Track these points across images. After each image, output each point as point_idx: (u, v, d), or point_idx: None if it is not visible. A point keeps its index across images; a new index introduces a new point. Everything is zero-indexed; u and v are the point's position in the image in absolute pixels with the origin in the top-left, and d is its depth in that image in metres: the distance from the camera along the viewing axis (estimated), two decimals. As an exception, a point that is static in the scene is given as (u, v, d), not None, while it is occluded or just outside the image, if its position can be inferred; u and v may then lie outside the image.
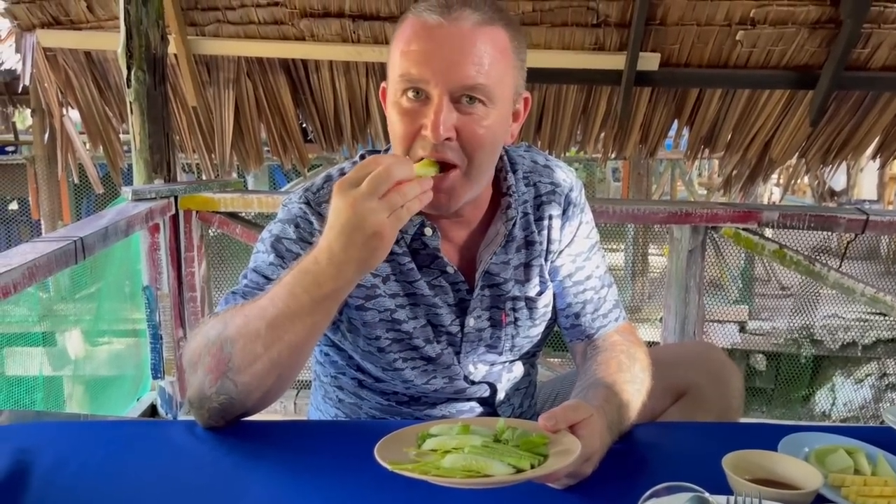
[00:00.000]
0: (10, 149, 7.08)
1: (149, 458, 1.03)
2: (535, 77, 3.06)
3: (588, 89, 3.21)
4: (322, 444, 1.08)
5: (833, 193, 8.34)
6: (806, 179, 6.90)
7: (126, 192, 2.36)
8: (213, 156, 3.41)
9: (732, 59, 3.06)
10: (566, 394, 1.58)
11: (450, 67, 1.02)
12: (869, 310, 5.52)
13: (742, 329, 5.87)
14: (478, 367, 1.27)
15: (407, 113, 1.06)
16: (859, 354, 5.84)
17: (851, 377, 5.89)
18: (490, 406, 1.31)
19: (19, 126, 9.06)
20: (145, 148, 2.44)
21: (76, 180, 3.43)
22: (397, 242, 1.16)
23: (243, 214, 2.64)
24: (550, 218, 1.26)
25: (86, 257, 1.81)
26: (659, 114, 3.26)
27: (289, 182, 6.51)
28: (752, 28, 2.94)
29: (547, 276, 1.27)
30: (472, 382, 1.27)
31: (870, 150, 3.34)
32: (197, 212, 2.53)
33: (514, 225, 1.21)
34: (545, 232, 1.25)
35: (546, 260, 1.26)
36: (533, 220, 1.25)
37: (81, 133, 3.47)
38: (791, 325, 5.85)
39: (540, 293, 1.26)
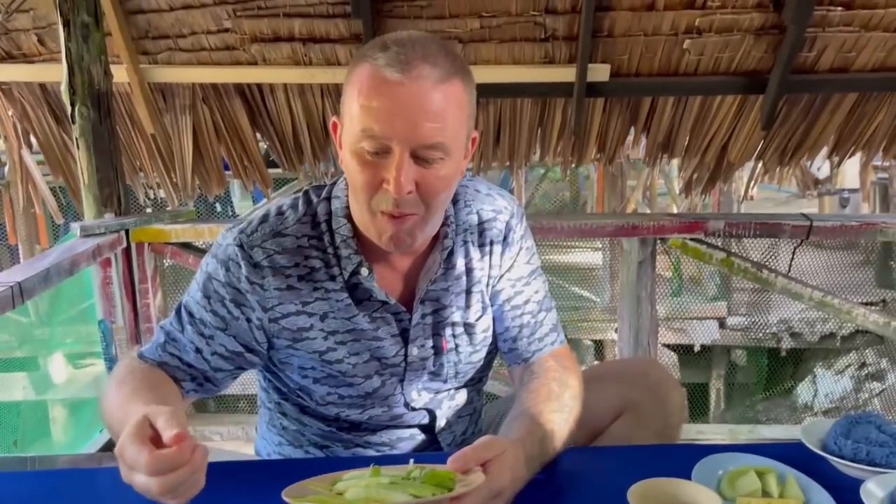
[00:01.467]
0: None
1: None
2: (489, 92, 3.09)
3: (542, 102, 3.23)
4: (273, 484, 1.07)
5: (817, 182, 8.38)
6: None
7: (74, 228, 2.38)
8: (174, 178, 3.42)
9: (682, 67, 3.08)
10: None
11: (411, 127, 1.04)
12: (850, 300, 5.55)
13: (721, 325, 5.90)
14: (421, 395, 1.28)
15: (368, 165, 1.08)
16: (838, 346, 5.88)
17: (832, 369, 5.93)
18: (431, 433, 1.32)
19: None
20: (93, 183, 2.46)
21: (38, 211, 3.43)
22: (333, 279, 1.18)
23: (196, 244, 2.66)
24: (491, 244, 1.28)
25: (24, 301, 1.82)
26: (614, 122, 3.28)
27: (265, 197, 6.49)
28: (698, 37, 2.96)
29: (487, 302, 1.29)
30: (413, 409, 1.28)
31: (825, 150, 3.36)
32: (149, 244, 2.54)
33: (449, 253, 1.23)
34: (486, 258, 1.27)
35: (487, 285, 1.28)
36: (475, 246, 1.27)
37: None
38: (769, 319, 5.88)
39: (479, 318, 1.28)
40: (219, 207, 7.43)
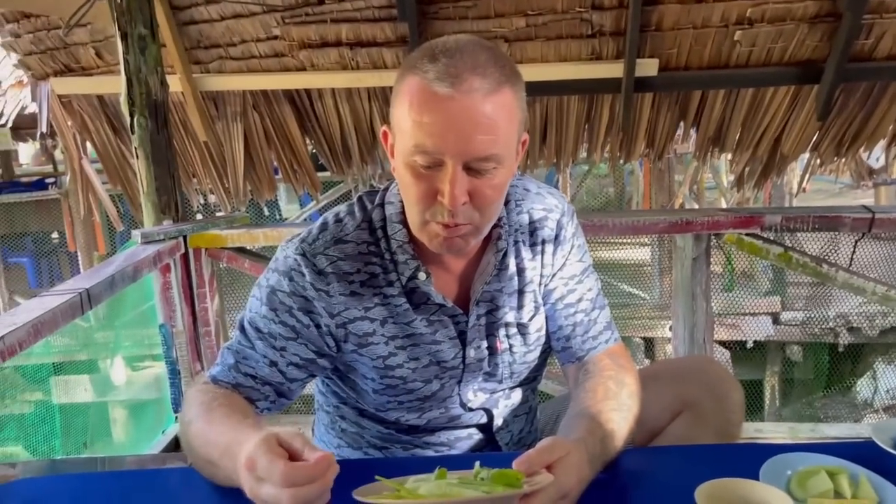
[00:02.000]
0: (49, 180, 7.35)
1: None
2: (535, 90, 3.07)
3: (590, 98, 3.21)
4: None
5: (872, 172, 8.13)
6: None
7: (135, 235, 2.44)
8: (226, 183, 3.50)
9: (733, 59, 3.02)
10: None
11: (464, 141, 1.04)
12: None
13: (775, 320, 5.77)
14: (477, 395, 1.29)
15: (422, 177, 1.08)
16: (902, 340, 5.69)
17: (893, 363, 5.75)
18: (488, 433, 1.33)
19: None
20: (152, 191, 2.52)
21: (97, 218, 3.54)
22: (391, 285, 1.19)
23: (251, 248, 2.71)
24: (543, 243, 1.28)
25: (92, 307, 1.88)
26: (663, 117, 3.24)
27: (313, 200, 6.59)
28: (749, 27, 2.90)
29: (540, 301, 1.29)
30: (470, 409, 1.29)
31: (884, 140, 3.26)
32: (206, 249, 2.60)
33: (503, 255, 1.24)
34: (538, 257, 1.27)
35: (540, 285, 1.28)
36: (526, 246, 1.27)
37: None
38: (826, 313, 5.72)
39: (532, 318, 1.28)
40: (266, 211, 7.56)
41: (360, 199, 1.27)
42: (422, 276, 1.19)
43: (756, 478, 0.97)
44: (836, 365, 5.79)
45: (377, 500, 0.89)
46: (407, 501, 0.89)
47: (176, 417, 2.72)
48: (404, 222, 1.20)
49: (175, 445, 2.64)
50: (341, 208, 1.27)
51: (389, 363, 1.21)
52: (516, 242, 1.27)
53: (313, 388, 1.44)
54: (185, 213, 2.70)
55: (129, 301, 2.78)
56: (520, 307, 1.27)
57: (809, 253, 2.53)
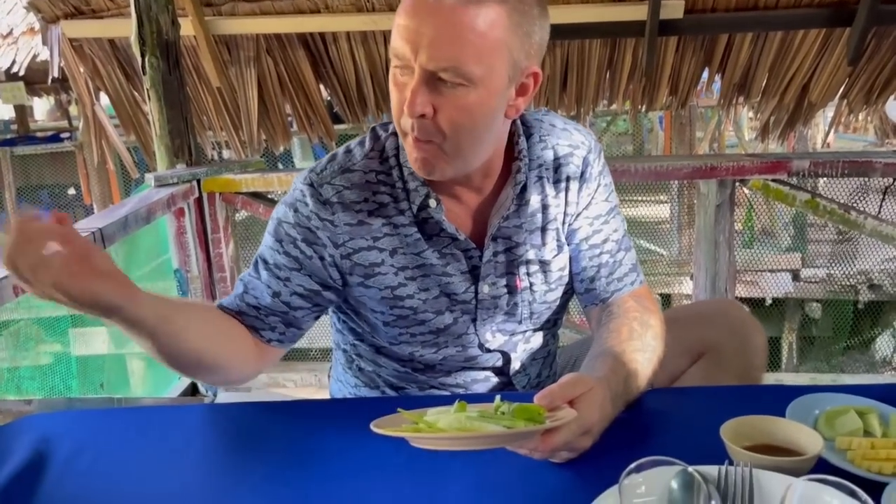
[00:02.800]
0: (65, 135, 7.34)
1: (165, 444, 1.07)
2: (556, 34, 2.91)
3: (612, 42, 3.11)
4: (347, 422, 1.08)
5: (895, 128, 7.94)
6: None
7: (149, 178, 2.41)
8: (240, 134, 3.45)
9: (761, 0, 2.91)
10: (584, 359, 1.59)
11: (426, 46, 1.01)
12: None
13: (795, 277, 5.70)
14: (496, 336, 1.27)
15: (398, 86, 1.07)
16: (922, 298, 5.61)
17: (916, 322, 5.68)
18: (505, 375, 1.31)
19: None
20: (165, 133, 2.48)
21: (111, 166, 3.52)
22: (402, 214, 1.17)
23: (266, 193, 2.67)
24: (568, 180, 1.24)
25: (105, 247, 1.86)
26: (688, 63, 3.15)
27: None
28: (780, -34, 2.79)
29: (563, 240, 1.25)
30: (487, 350, 1.27)
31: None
32: (220, 194, 2.57)
33: (522, 189, 1.20)
34: (562, 195, 1.24)
35: (563, 223, 1.25)
36: (550, 183, 1.24)
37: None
38: (847, 270, 5.64)
39: (555, 256, 1.24)
40: (280, 166, 7.53)
41: (373, 129, 1.24)
42: (432, 202, 1.16)
43: (753, 409, 0.94)
44: (855, 322, 5.73)
45: (394, 432, 0.86)
46: (424, 434, 0.87)
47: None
48: None
49: (192, 390, 2.64)
50: (353, 141, 1.25)
51: (399, 293, 1.19)
52: (540, 178, 1.23)
53: (330, 329, 1.42)
54: (198, 159, 2.66)
55: (143, 248, 2.77)
56: (542, 244, 1.23)
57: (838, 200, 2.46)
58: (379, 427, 0.88)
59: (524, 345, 1.30)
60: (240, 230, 2.68)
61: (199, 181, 2.51)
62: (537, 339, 1.31)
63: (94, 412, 1.29)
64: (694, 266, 2.58)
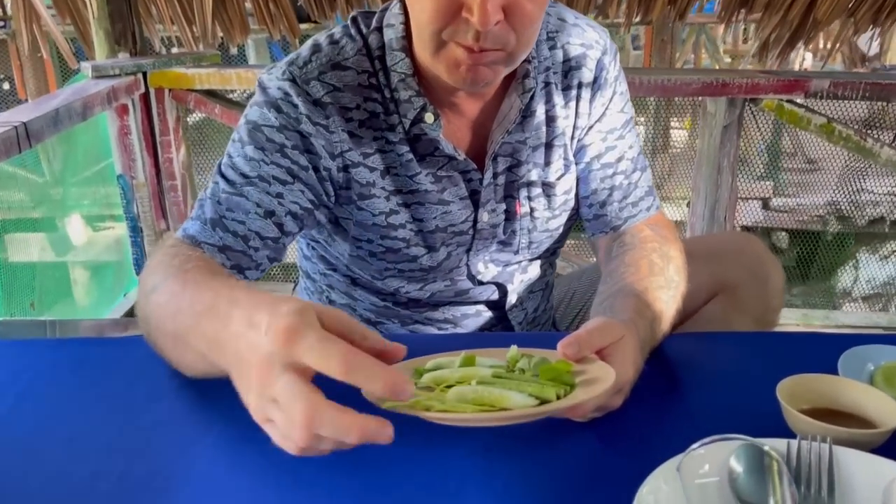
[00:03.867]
0: (-2, 24, 6.71)
1: (97, 378, 0.88)
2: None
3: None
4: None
5: (864, 58, 7.83)
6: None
7: (85, 67, 2.09)
8: (193, 28, 3.07)
9: None
10: (583, 292, 1.40)
11: None
12: (903, 184, 5.24)
13: (765, 206, 5.62)
14: (488, 268, 1.11)
15: None
16: (887, 230, 5.61)
17: (877, 254, 5.69)
18: (500, 310, 1.18)
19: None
20: (104, 16, 2.15)
21: (46, 56, 3.12)
22: (392, 129, 0.99)
23: (222, 92, 2.36)
24: (579, 87, 1.06)
25: (32, 145, 1.57)
26: (690, -31, 2.87)
27: (285, 55, 6.11)
28: None
29: (571, 158, 1.09)
30: (480, 283, 1.13)
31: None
32: (170, 90, 2.25)
33: (531, 97, 1.01)
34: (572, 104, 1.07)
35: (572, 138, 1.09)
36: (559, 90, 1.05)
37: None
38: (817, 200, 5.58)
39: (560, 177, 1.09)
40: (234, 68, 7.05)
41: (353, 19, 1.01)
42: (428, 117, 0.97)
43: (816, 370, 0.82)
44: (821, 253, 5.71)
45: (398, 407, 0.65)
46: (435, 413, 0.66)
47: (138, 280, 2.47)
48: (408, 50, 0.96)
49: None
50: (335, 30, 1.01)
51: (392, 221, 1.03)
52: (547, 84, 1.05)
53: (296, 255, 1.24)
54: (144, 49, 2.33)
55: (81, 149, 2.46)
56: (546, 163, 1.08)
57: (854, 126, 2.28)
58: (374, 397, 0.65)
59: (521, 276, 1.16)
60: (192, 134, 2.38)
61: (145, 74, 2.19)
62: (534, 270, 1.18)
63: (21, 344, 1.05)
64: (692, 193, 2.40)
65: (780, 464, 0.66)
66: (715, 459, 0.67)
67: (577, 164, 1.11)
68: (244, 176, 0.93)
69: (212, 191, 0.95)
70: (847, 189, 5.49)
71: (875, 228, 5.57)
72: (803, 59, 6.80)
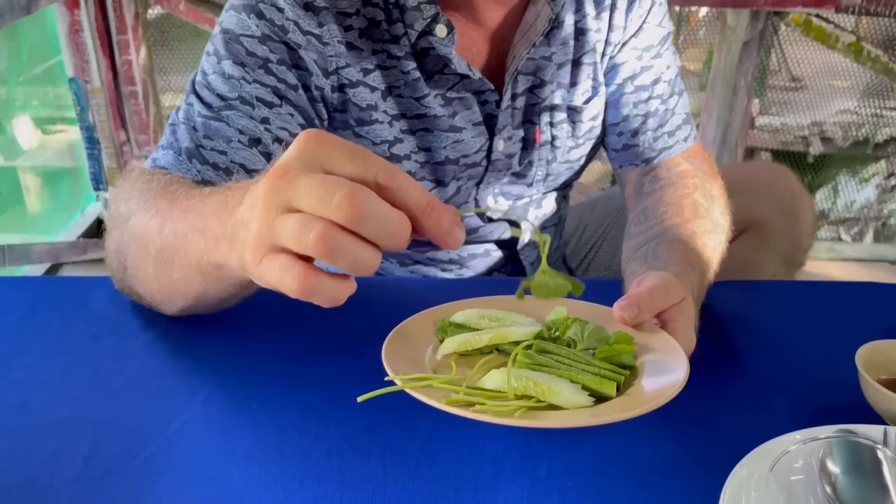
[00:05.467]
0: None
1: (53, 329, 0.77)
2: None
3: None
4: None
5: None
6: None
7: (27, -49, 1.80)
8: None
9: None
10: (595, 226, 1.29)
11: None
12: (890, 105, 5.16)
13: (751, 125, 5.51)
14: (498, 201, 1.01)
15: None
16: (869, 153, 5.56)
17: (857, 176, 5.66)
18: (511, 249, 1.08)
19: None
20: None
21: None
22: (396, 42, 0.85)
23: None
24: None
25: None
26: None
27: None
28: None
29: (601, 78, 0.98)
30: (490, 220, 1.03)
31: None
32: (127, -19, 1.99)
33: (561, 5, 0.90)
34: (605, 15, 0.95)
35: (603, 54, 0.97)
36: None
37: None
38: (802, 121, 5.49)
39: (588, 101, 0.98)
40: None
41: None
42: (440, 30, 0.84)
43: (862, 317, 0.82)
44: (802, 174, 5.67)
45: (428, 398, 0.54)
46: (480, 413, 0.53)
47: (97, 196, 2.26)
48: None
49: (97, 228, 2.20)
50: None
51: (395, 152, 0.90)
52: None
53: None
54: (96, -68, 2.03)
55: (26, 48, 2.19)
56: (573, 84, 0.96)
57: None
58: (398, 371, 0.56)
59: (535, 210, 1.07)
60: (153, 33, 2.13)
61: (97, -38, 1.91)
62: (549, 204, 1.08)
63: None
64: (703, 114, 2.24)
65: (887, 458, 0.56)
66: (801, 453, 0.58)
67: (607, 85, 0.99)
68: (222, 98, 0.80)
69: (185, 113, 0.81)
70: (831, 109, 5.39)
71: (857, 151, 5.51)
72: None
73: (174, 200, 0.69)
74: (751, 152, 5.60)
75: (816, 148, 5.48)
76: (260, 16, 0.80)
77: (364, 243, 0.45)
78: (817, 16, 1.98)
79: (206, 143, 0.78)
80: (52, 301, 0.81)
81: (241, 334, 0.76)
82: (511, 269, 1.11)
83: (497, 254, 1.08)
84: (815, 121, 5.49)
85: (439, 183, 0.95)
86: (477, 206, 1.01)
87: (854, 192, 5.61)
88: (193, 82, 0.83)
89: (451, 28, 0.84)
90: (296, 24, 0.80)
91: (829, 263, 2.18)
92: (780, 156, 5.58)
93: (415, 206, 0.47)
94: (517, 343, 0.63)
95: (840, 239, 4.84)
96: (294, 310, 0.77)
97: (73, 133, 2.61)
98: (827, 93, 5.41)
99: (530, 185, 1.02)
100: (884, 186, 5.57)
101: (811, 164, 5.55)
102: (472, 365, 0.62)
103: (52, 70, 2.31)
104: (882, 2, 1.93)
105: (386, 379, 0.56)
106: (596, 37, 0.96)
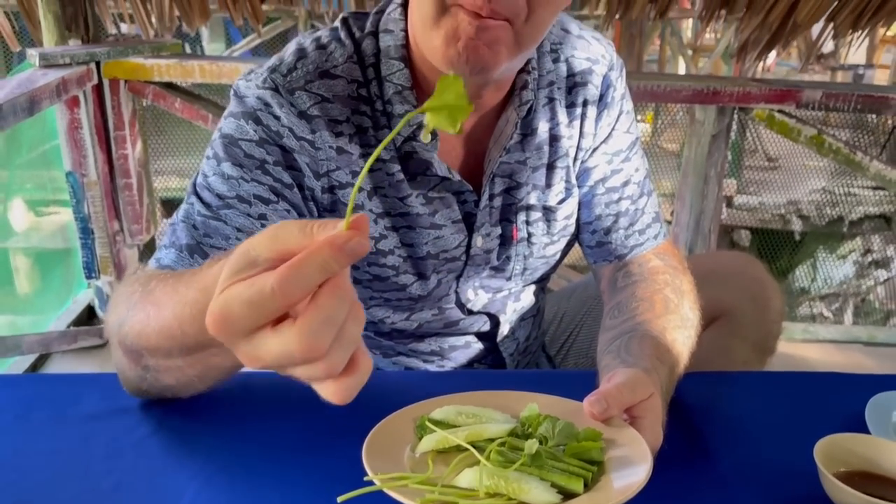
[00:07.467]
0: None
1: (43, 429, 0.78)
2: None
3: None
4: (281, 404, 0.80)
5: (820, 56, 7.92)
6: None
7: (31, 55, 1.90)
8: (148, 7, 2.87)
9: None
10: (573, 314, 1.32)
11: None
12: (861, 184, 5.31)
13: (728, 204, 5.64)
14: (478, 295, 1.04)
15: None
16: (845, 230, 5.68)
17: (835, 253, 5.76)
18: (490, 341, 1.11)
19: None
20: (54, -1, 1.95)
21: (-15, 35, 2.88)
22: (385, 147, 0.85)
23: (182, 84, 2.19)
24: (584, 105, 0.99)
25: (-30, 147, 1.40)
26: (674, -32, 2.78)
27: (244, 38, 5.86)
28: None
29: (574, 181, 1.02)
30: (470, 313, 1.06)
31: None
32: (126, 81, 2.07)
33: (529, 111, 0.94)
34: (576, 123, 1.00)
35: (575, 159, 1.02)
36: (563, 107, 0.98)
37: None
38: (778, 200, 5.63)
39: (562, 201, 1.03)
40: (188, 48, 6.75)
41: (344, 21, 0.92)
42: (425, 136, 0.84)
43: (840, 416, 0.84)
44: (781, 252, 5.77)
45: (400, 496, 0.58)
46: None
47: (88, 284, 2.29)
48: (407, 60, 0.87)
49: (87, 317, 2.22)
50: (321, 32, 0.91)
51: (380, 247, 0.95)
52: (550, 101, 0.97)
53: None
54: (97, 35, 2.14)
55: (25, 140, 2.26)
56: (547, 186, 1.01)
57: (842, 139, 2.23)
58: (375, 468, 0.61)
59: (514, 304, 1.10)
60: (149, 125, 2.20)
61: (98, 64, 2.00)
62: (527, 297, 1.12)
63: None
64: (677, 202, 2.32)
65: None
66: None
67: (579, 187, 1.04)
68: (221, 197, 0.84)
69: (185, 213, 0.86)
70: (805, 188, 5.54)
71: (833, 228, 5.64)
72: (764, 60, 6.82)
73: (163, 288, 0.70)
74: (730, 231, 5.73)
75: (795, 225, 5.62)
76: (257, 122, 0.86)
77: (341, 349, 0.46)
78: (780, 111, 2.08)
79: (205, 241, 0.83)
80: (46, 399, 0.83)
81: (229, 430, 0.79)
82: (492, 361, 1.13)
83: (477, 346, 1.11)
84: (792, 199, 5.65)
85: (421, 276, 0.99)
86: (458, 298, 1.04)
87: (832, 269, 5.72)
88: (195, 184, 0.88)
89: (434, 135, 0.90)
90: (290, 130, 0.86)
91: (803, 345, 2.23)
92: (759, 233, 5.71)
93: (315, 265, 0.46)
94: (492, 440, 0.67)
95: (822, 314, 4.91)
96: (280, 403, 0.81)
97: (66, 215, 2.64)
98: (801, 172, 5.58)
99: (509, 278, 1.06)
100: (861, 263, 5.69)
101: (791, 242, 5.68)
102: (450, 461, 0.65)
103: (47, 154, 2.37)
104: (840, 98, 2.04)
105: (365, 479, 0.60)
106: (568, 143, 1.01)
